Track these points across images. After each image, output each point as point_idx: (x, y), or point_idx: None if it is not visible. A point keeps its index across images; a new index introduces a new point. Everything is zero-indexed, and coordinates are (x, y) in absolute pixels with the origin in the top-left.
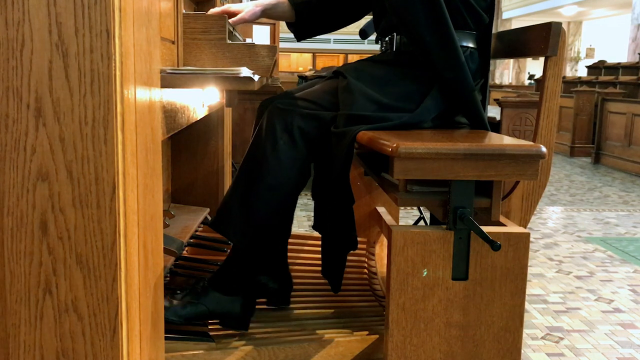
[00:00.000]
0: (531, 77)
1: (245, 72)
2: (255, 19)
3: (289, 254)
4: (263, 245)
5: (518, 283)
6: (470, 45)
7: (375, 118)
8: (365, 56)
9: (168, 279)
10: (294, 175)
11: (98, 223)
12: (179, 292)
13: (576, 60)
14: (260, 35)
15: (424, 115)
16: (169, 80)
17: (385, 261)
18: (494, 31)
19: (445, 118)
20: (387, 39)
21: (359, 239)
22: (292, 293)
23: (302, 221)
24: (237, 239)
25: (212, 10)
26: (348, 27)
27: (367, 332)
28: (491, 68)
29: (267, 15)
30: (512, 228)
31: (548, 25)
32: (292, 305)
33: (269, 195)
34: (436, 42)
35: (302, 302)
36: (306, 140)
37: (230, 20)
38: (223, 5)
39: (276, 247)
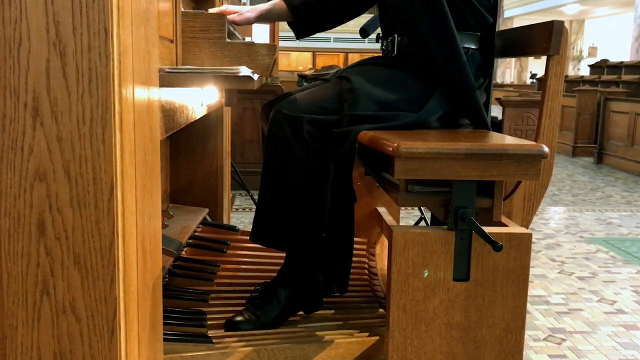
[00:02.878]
0: (533, 76)
1: (244, 71)
2: (247, 24)
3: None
4: (303, 245)
5: (520, 284)
6: (472, 46)
7: (378, 118)
8: (365, 55)
9: (167, 279)
10: (316, 175)
11: (96, 223)
12: (253, 302)
13: (578, 59)
14: (260, 34)
15: (428, 116)
16: (167, 80)
17: (385, 262)
18: (496, 30)
19: (449, 118)
20: (388, 40)
21: (359, 239)
22: None
23: None
24: (280, 246)
25: (210, 11)
26: (348, 25)
27: (367, 334)
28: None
29: (262, 20)
30: (514, 228)
31: (550, 24)
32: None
33: (297, 201)
34: (437, 42)
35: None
36: (318, 143)
37: None
38: (222, 4)
39: (315, 245)
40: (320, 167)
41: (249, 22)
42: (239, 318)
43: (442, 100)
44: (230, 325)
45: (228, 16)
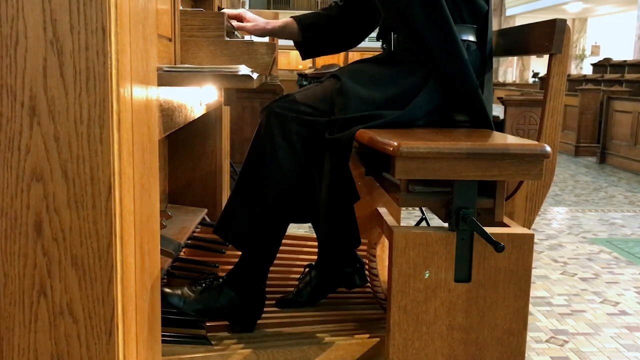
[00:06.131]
0: (535, 75)
1: (243, 70)
2: (258, 35)
3: (288, 255)
4: (264, 247)
5: (522, 285)
6: (470, 38)
7: (368, 117)
8: (366, 54)
9: (165, 280)
10: (294, 180)
11: (94, 224)
12: (196, 285)
13: (581, 57)
14: None
15: (416, 112)
16: (166, 79)
17: (386, 263)
18: (497, 28)
19: (441, 113)
20: (387, 38)
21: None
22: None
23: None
24: (239, 243)
25: (227, 11)
26: None
27: (368, 335)
28: (495, 66)
29: (273, 35)
30: (516, 229)
31: (552, 22)
32: (292, 307)
33: (271, 201)
34: (435, 36)
35: (302, 303)
36: (305, 146)
37: (236, 24)
38: (221, 3)
39: (270, 258)
40: (299, 173)
41: (260, 33)
42: (171, 290)
43: (433, 95)
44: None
45: (242, 24)
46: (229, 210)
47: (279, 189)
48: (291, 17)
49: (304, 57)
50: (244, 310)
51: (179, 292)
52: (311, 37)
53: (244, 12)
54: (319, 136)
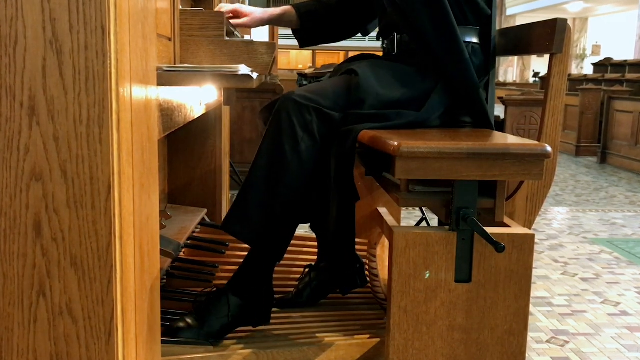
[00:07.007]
0: (536, 74)
1: (243, 69)
2: (258, 26)
3: (289, 255)
4: (277, 244)
5: (522, 285)
6: (474, 40)
7: (382, 116)
8: (366, 53)
9: (165, 281)
10: (312, 173)
11: (93, 224)
12: (199, 309)
13: (582, 57)
14: (259, 32)
15: (430, 113)
16: (165, 78)
17: (386, 263)
18: (498, 27)
19: (451, 115)
20: (388, 38)
21: (360, 240)
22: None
23: None
24: (252, 239)
25: (223, 8)
26: None
27: (368, 336)
28: (495, 65)
29: (272, 24)
30: (517, 229)
31: (553, 22)
32: (291, 308)
33: (289, 196)
34: (439, 38)
35: (301, 304)
36: (323, 139)
37: (232, 22)
38: (221, 2)
39: (280, 256)
40: (318, 167)
41: (258, 24)
42: (180, 324)
43: (443, 96)
44: (170, 332)
45: (239, 20)
46: (241, 204)
47: (300, 183)
48: (290, 4)
49: (302, 45)
50: (253, 313)
51: (188, 322)
52: (310, 25)
53: (240, 6)
54: (334, 131)
